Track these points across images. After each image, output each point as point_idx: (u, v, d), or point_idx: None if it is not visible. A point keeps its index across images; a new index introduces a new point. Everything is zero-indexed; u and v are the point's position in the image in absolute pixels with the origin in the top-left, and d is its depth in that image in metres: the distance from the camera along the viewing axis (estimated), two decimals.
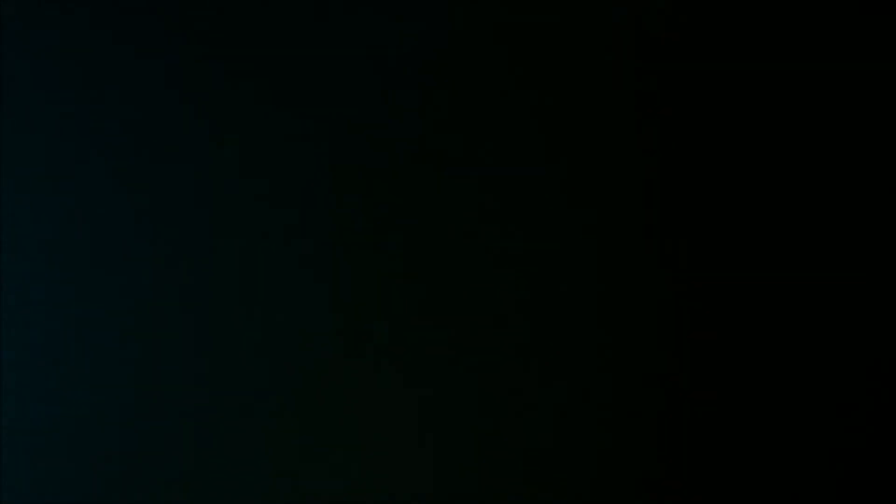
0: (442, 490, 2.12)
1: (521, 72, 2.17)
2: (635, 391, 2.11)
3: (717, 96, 2.15)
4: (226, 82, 2.20)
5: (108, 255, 2.19)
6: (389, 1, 2.19)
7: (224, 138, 2.19)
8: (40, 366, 2.18)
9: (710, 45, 2.15)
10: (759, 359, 2.11)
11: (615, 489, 2.10)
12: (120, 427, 2.16)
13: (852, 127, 2.13)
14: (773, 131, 2.14)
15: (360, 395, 2.14)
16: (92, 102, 2.21)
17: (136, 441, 2.15)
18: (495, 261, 2.14)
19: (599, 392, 2.12)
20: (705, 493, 2.09)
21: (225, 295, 2.16)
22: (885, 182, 2.11)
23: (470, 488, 2.12)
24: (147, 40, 2.21)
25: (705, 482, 2.09)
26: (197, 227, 2.18)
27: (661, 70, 2.15)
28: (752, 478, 2.09)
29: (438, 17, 2.18)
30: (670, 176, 2.14)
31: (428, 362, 2.14)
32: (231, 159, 2.19)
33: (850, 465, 2.08)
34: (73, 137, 2.21)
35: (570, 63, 2.17)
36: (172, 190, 2.19)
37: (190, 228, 2.18)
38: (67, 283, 2.18)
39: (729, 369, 2.11)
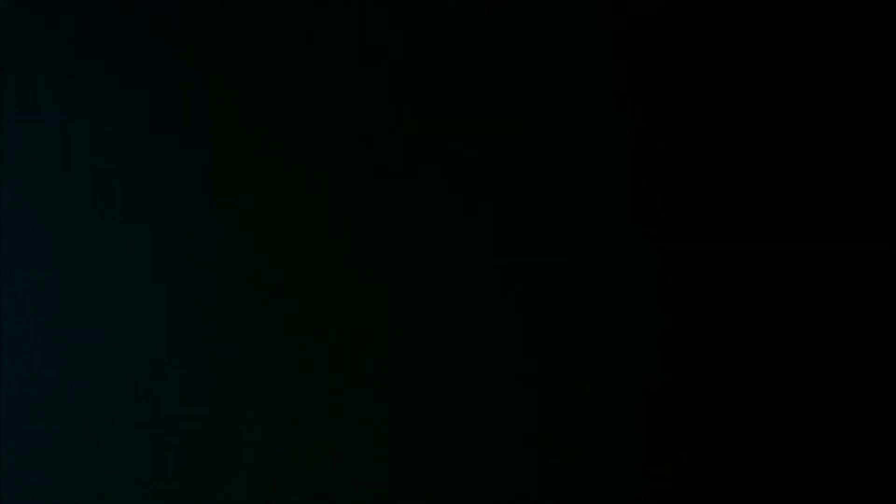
0: (434, 492, 2.12)
1: (517, 73, 2.17)
2: (629, 394, 2.11)
3: (714, 97, 2.15)
4: (227, 81, 2.20)
5: (109, 254, 2.19)
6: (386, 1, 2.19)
7: (225, 138, 2.19)
8: (41, 366, 2.18)
9: (707, 45, 2.15)
10: (755, 360, 2.11)
11: (608, 491, 2.10)
12: (119, 427, 2.16)
13: (851, 128, 2.13)
14: (769, 131, 2.14)
15: (357, 396, 2.14)
16: (92, 102, 2.22)
17: (135, 442, 2.15)
18: (488, 262, 2.15)
19: (591, 395, 2.12)
20: (698, 495, 2.09)
21: (225, 295, 2.16)
22: (883, 182, 2.12)
23: (461, 492, 2.12)
24: (148, 39, 2.21)
25: (696, 485, 2.10)
26: (197, 227, 2.18)
27: (657, 70, 2.15)
28: (747, 479, 2.09)
29: (435, 17, 2.19)
30: (663, 176, 2.14)
31: (422, 365, 2.14)
32: (232, 159, 2.19)
33: (847, 466, 2.08)
34: (73, 137, 2.22)
35: (571, 66, 2.17)
36: (172, 190, 2.19)
37: (190, 228, 2.18)
38: (67, 283, 2.18)
39: (723, 371, 2.11)
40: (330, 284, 2.16)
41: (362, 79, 2.18)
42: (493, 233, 2.15)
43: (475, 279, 2.14)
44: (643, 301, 2.13)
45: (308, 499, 2.13)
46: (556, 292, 2.14)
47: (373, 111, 2.18)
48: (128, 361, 2.17)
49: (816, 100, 2.14)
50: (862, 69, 2.13)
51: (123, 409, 2.16)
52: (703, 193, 2.13)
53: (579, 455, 2.11)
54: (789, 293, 2.11)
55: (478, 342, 2.14)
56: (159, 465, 2.15)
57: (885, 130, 2.12)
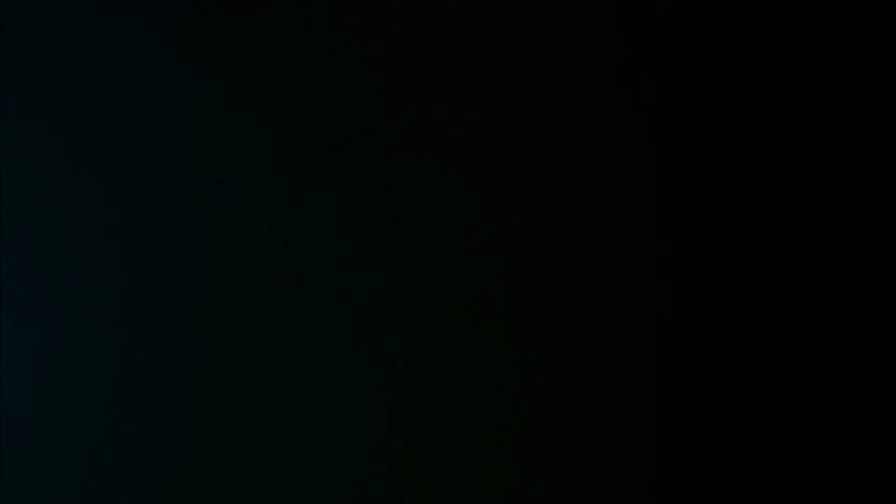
0: (434, 492, 2.12)
1: (517, 72, 2.17)
2: (630, 393, 2.11)
3: (714, 96, 2.15)
4: (227, 81, 2.20)
5: (109, 253, 2.19)
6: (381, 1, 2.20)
7: (225, 137, 2.19)
8: (41, 366, 2.18)
9: (707, 45, 2.15)
10: (756, 360, 2.11)
11: (608, 491, 2.10)
12: (119, 426, 2.16)
13: (851, 128, 2.13)
14: (770, 130, 2.14)
15: (351, 396, 2.14)
16: (93, 102, 2.22)
17: (135, 441, 2.15)
18: (485, 260, 2.15)
19: (589, 394, 2.12)
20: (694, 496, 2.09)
21: (224, 295, 2.16)
22: (883, 182, 2.12)
23: (454, 491, 2.12)
24: (147, 39, 2.22)
25: (697, 484, 2.10)
26: (197, 226, 2.18)
27: (657, 70, 2.15)
28: (747, 479, 2.09)
29: (435, 16, 2.19)
30: (663, 176, 2.14)
31: (419, 363, 2.14)
32: (232, 158, 2.19)
33: (847, 465, 2.08)
34: (73, 136, 2.22)
35: (571, 65, 2.17)
36: (172, 189, 2.19)
37: (190, 227, 2.18)
38: (67, 282, 2.18)
39: (723, 371, 2.11)
40: (330, 284, 2.16)
41: (362, 78, 2.19)
42: (493, 232, 2.15)
43: (475, 278, 2.14)
44: (643, 301, 2.13)
45: (308, 498, 2.13)
46: (555, 292, 2.14)
47: (373, 111, 2.18)
48: (128, 361, 2.17)
49: (816, 100, 2.14)
50: (862, 69, 2.14)
51: (123, 408, 2.16)
52: (703, 193, 2.14)
53: (580, 455, 2.11)
54: (789, 293, 2.11)
55: (478, 342, 2.14)
56: (159, 465, 2.15)
57: (886, 131, 2.12)
